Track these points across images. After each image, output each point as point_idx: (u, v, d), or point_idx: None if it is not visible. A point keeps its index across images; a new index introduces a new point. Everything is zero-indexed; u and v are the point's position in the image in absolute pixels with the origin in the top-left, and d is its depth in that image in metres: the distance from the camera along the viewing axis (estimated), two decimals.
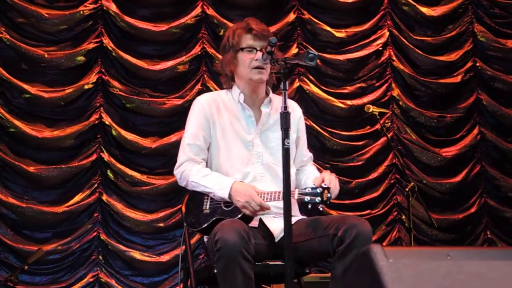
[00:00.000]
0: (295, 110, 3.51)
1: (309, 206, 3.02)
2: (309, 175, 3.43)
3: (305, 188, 3.05)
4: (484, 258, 1.99)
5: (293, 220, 3.19)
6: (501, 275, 1.96)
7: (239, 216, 3.15)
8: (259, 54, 3.22)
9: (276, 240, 3.21)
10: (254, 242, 3.01)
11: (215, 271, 2.96)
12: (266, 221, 3.25)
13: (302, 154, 3.53)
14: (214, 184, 3.22)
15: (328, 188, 3.00)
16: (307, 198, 3.00)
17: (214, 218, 3.20)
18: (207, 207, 3.26)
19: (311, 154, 3.61)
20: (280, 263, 3.18)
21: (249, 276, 2.89)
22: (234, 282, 2.86)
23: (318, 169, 3.58)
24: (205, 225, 3.22)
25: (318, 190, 2.99)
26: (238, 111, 3.39)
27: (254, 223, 3.23)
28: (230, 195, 3.16)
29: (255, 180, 3.29)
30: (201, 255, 6.12)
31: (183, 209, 3.38)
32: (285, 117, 2.85)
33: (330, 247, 3.03)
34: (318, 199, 2.98)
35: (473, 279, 1.94)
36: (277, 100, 3.45)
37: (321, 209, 3.03)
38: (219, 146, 3.35)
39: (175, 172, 3.40)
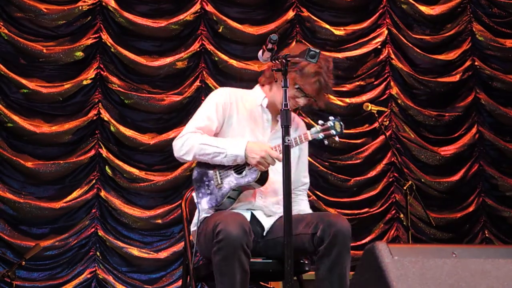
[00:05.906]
0: (300, 127, 3.45)
1: (326, 142, 3.06)
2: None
3: (315, 127, 3.09)
4: (489, 256, 1.99)
5: (276, 216, 3.25)
6: (506, 273, 1.96)
7: (257, 177, 3.10)
8: (302, 101, 3.22)
9: (264, 233, 3.20)
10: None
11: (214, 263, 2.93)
12: (258, 216, 3.24)
13: (299, 175, 3.42)
14: (227, 143, 3.14)
15: (338, 120, 3.04)
16: (321, 135, 3.06)
17: (231, 191, 3.15)
18: (219, 180, 3.18)
19: (308, 181, 3.50)
20: (270, 261, 3.17)
21: (246, 270, 2.89)
22: (231, 274, 2.85)
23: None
24: (224, 199, 3.16)
25: (329, 124, 3.05)
26: (258, 112, 3.34)
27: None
28: (244, 153, 3.09)
29: None
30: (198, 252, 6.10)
31: (192, 194, 3.32)
32: (285, 114, 2.83)
33: (311, 246, 3.02)
34: (332, 131, 3.05)
35: (477, 276, 1.94)
36: (296, 117, 3.46)
37: (337, 140, 3.08)
38: (234, 134, 3.26)
39: (175, 142, 3.23)
